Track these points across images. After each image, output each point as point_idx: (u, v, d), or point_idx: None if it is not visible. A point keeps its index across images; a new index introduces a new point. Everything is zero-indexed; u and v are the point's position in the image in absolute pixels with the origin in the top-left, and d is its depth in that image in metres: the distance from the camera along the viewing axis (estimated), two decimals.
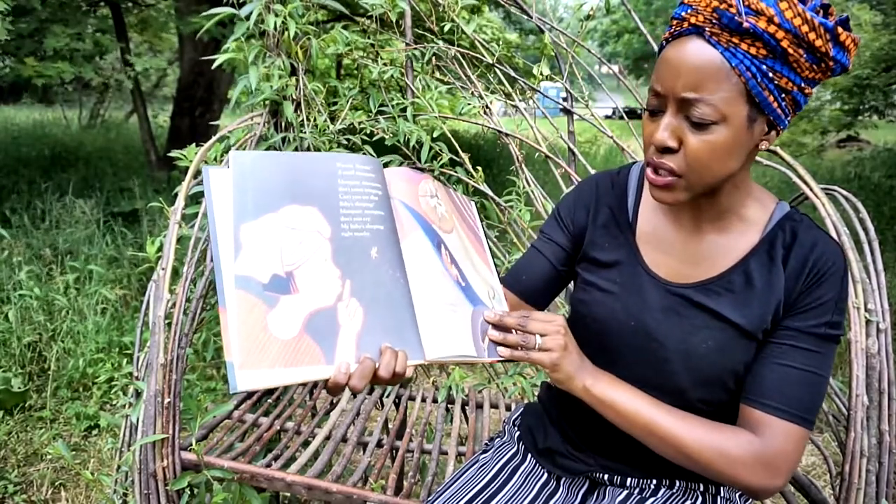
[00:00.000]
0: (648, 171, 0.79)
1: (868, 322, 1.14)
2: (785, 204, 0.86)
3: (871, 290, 1.16)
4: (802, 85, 0.72)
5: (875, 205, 5.78)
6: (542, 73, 1.74)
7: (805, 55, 0.70)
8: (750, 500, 0.96)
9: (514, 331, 0.81)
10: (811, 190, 1.30)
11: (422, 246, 0.80)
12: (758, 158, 1.42)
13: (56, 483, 1.99)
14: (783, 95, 0.72)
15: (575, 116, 1.78)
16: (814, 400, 0.77)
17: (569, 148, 1.77)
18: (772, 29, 0.68)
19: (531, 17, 1.77)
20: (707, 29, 0.71)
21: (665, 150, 0.76)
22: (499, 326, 0.81)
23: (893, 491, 1.13)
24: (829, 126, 7.82)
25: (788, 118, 0.75)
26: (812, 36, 0.68)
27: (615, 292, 0.89)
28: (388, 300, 0.73)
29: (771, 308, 0.80)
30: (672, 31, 0.76)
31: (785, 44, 0.69)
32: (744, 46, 0.69)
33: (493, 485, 0.95)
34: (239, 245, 0.69)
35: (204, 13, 1.63)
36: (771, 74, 0.70)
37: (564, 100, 1.76)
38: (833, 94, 7.84)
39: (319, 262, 0.71)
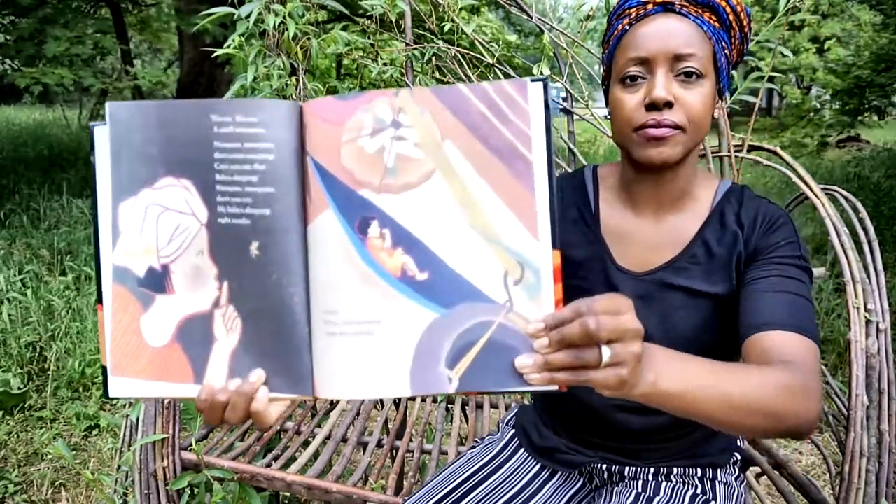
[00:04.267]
0: (648, 130, 0.79)
1: (868, 322, 1.14)
2: (727, 180, 0.92)
3: (871, 290, 1.17)
4: (731, 63, 0.85)
5: (874, 205, 5.78)
6: (541, 74, 1.74)
7: (738, 33, 0.83)
8: (744, 483, 0.98)
9: (555, 339, 0.53)
10: (811, 190, 1.30)
11: (330, 231, 0.57)
12: (758, 158, 1.43)
13: (56, 483, 1.99)
14: (726, 68, 0.83)
15: (575, 116, 1.78)
16: (815, 324, 0.77)
17: (569, 148, 1.78)
18: (723, 3, 0.80)
19: (531, 18, 1.77)
20: (677, 3, 0.80)
21: (665, 106, 0.79)
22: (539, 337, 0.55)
23: (893, 491, 1.13)
24: (830, 122, 7.82)
25: (723, 97, 0.87)
26: (742, 16, 0.82)
27: (588, 289, 0.89)
28: (273, 314, 0.58)
29: (732, 265, 0.84)
30: (635, 15, 0.82)
31: (731, 18, 0.81)
32: (706, 16, 0.80)
33: (477, 475, 0.97)
34: (117, 229, 0.59)
35: (203, 12, 1.64)
36: (723, 45, 0.82)
37: (564, 100, 1.77)
38: (833, 95, 7.85)
39: (195, 256, 0.59)
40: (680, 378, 0.61)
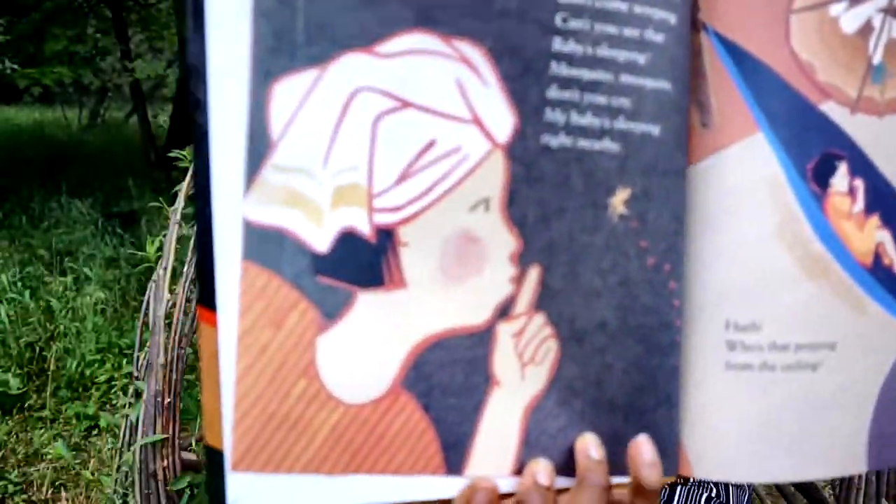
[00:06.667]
0: None
1: None
2: None
3: None
4: None
5: None
6: None
7: None
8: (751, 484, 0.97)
9: None
10: None
11: (752, 176, 0.30)
12: None
13: (56, 483, 1.99)
14: None
15: None
16: None
17: None
18: None
19: None
20: None
21: None
22: None
23: (893, 491, 1.13)
24: None
25: None
26: None
27: None
28: (633, 330, 0.30)
29: None
30: None
31: None
32: None
33: None
34: (264, 139, 0.26)
35: None
36: None
37: None
38: None
39: (467, 212, 0.28)
40: None
